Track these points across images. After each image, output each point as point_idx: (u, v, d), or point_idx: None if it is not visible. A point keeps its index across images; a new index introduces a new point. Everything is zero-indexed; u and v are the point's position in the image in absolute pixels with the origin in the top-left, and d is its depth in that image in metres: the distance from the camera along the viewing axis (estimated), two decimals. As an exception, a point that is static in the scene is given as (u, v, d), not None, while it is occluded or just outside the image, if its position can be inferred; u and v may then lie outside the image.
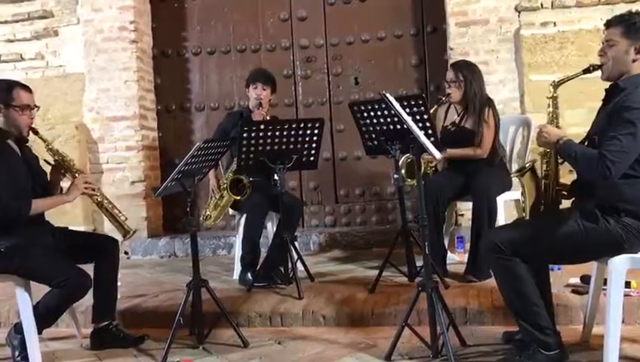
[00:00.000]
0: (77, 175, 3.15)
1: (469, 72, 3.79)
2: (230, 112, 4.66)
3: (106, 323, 3.12)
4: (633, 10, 2.46)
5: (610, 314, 2.36)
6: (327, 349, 2.93)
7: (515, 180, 3.62)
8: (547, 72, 4.54)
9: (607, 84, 2.51)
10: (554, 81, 2.63)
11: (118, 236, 3.23)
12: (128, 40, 5.38)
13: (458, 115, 3.89)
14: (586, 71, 2.53)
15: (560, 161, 2.55)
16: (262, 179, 4.07)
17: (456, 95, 3.81)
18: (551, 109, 2.60)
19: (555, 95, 2.61)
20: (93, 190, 3.16)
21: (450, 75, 3.83)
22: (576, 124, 3.86)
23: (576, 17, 4.72)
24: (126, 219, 3.24)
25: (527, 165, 2.65)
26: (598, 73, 2.51)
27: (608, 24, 2.46)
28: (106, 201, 3.21)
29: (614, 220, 2.34)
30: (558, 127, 2.57)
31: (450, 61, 4.87)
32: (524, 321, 2.46)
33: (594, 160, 2.29)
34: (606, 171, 2.25)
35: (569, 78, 2.60)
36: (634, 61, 2.39)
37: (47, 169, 3.19)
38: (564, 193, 2.56)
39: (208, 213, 4.09)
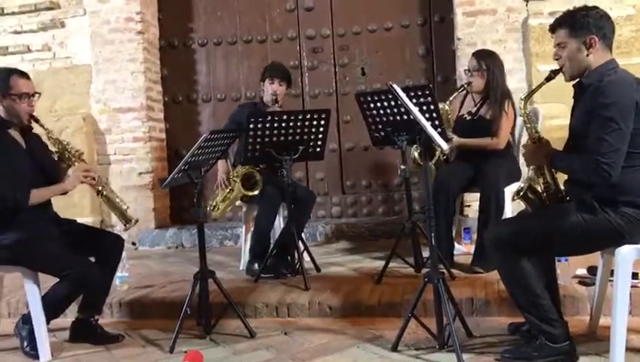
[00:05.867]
0: (77, 163, 3.08)
1: (492, 61, 3.73)
2: (243, 103, 4.53)
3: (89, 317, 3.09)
4: (571, 8, 2.48)
5: (617, 306, 2.35)
6: (334, 340, 2.94)
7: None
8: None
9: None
10: (521, 98, 2.63)
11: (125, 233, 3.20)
12: (135, 31, 5.38)
13: (476, 105, 3.84)
14: (549, 78, 2.53)
15: (555, 171, 2.55)
16: (270, 170, 4.06)
17: (478, 84, 3.75)
18: (529, 125, 2.59)
19: (527, 111, 2.60)
20: (94, 178, 3.07)
21: (472, 63, 3.76)
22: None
23: (584, 7, 4.67)
24: (127, 208, 3.20)
25: (523, 185, 2.59)
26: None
27: (553, 28, 2.49)
28: (106, 191, 3.14)
29: (613, 211, 2.33)
30: (539, 139, 2.55)
31: (458, 51, 4.86)
32: (530, 314, 2.46)
33: (589, 167, 2.29)
34: (605, 175, 2.25)
35: (534, 91, 2.61)
36: (588, 55, 2.40)
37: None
38: (567, 198, 2.54)
39: (216, 203, 4.05)
